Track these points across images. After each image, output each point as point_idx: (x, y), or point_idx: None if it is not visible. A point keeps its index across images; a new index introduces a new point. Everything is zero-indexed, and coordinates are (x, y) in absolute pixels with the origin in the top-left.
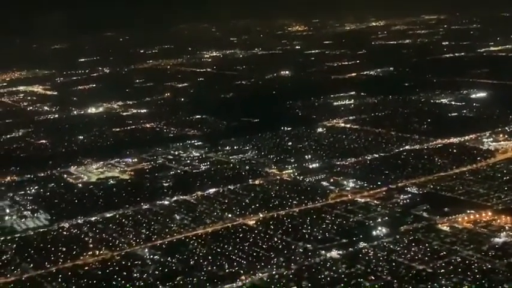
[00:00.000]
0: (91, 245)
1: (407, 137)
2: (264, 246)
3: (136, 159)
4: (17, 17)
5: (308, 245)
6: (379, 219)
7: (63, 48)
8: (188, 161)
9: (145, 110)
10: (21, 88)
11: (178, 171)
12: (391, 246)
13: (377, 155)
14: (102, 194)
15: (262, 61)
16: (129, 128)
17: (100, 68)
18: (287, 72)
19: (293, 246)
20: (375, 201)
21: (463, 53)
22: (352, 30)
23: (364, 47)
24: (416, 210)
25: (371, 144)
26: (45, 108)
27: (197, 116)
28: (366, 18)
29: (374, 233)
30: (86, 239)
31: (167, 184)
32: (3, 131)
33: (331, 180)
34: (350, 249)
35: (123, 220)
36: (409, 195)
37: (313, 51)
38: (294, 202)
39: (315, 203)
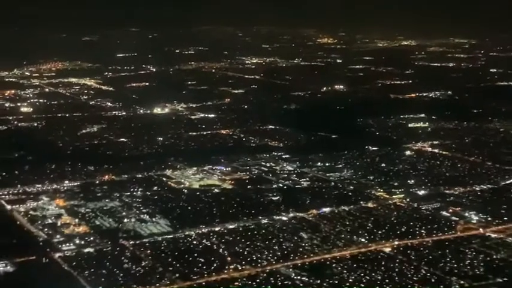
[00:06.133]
0: (228, 258)
1: (507, 169)
2: (414, 278)
3: (229, 168)
4: (32, 7)
5: (462, 282)
6: None
7: (94, 40)
8: (285, 175)
9: (213, 115)
10: (73, 80)
11: (280, 185)
12: None
13: (485, 186)
14: (213, 202)
15: (308, 72)
16: (205, 133)
17: (144, 66)
18: (341, 86)
19: (447, 282)
20: (510, 239)
21: None
22: (386, 48)
23: (408, 66)
24: None
25: (471, 174)
26: (108, 104)
27: (270, 126)
28: (392, 35)
29: None
30: (220, 250)
31: (276, 198)
32: (76, 126)
33: (450, 210)
34: None
35: (249, 233)
36: None
37: (357, 67)
38: (422, 231)
39: (445, 234)
